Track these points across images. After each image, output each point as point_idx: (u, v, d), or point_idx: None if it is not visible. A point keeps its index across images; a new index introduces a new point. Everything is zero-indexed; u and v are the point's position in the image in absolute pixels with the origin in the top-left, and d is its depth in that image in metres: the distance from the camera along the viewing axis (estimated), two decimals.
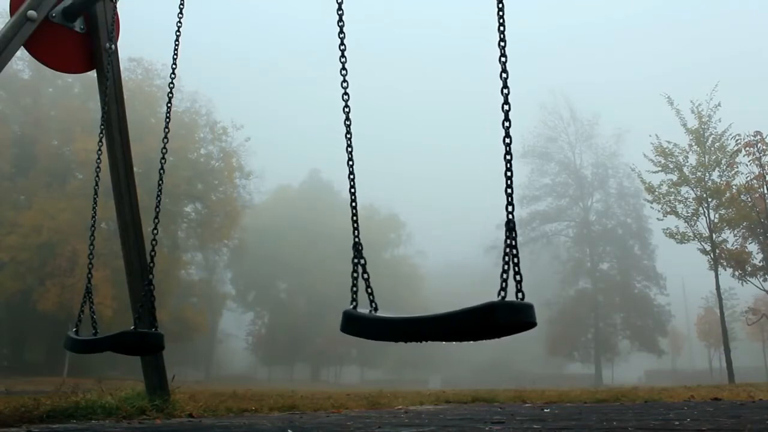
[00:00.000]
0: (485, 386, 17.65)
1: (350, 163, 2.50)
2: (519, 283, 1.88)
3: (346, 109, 2.52)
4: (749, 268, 21.88)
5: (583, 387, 17.78)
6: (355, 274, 2.28)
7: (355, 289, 2.26)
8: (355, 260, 2.31)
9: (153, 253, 3.47)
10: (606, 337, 46.08)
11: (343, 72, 2.55)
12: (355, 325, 2.19)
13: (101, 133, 4.16)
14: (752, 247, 22.17)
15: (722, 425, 3.04)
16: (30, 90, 34.06)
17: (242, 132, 39.95)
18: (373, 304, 2.21)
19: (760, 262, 22.00)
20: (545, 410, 5.07)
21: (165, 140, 3.60)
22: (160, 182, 3.58)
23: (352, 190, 2.48)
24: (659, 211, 22.82)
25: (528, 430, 3.01)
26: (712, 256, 21.67)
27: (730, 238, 22.28)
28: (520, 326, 1.86)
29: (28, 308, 30.96)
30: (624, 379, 43.83)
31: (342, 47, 2.57)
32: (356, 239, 2.36)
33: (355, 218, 2.43)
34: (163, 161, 3.56)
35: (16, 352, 35.19)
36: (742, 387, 11.33)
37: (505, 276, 1.85)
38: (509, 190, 1.97)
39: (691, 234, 22.18)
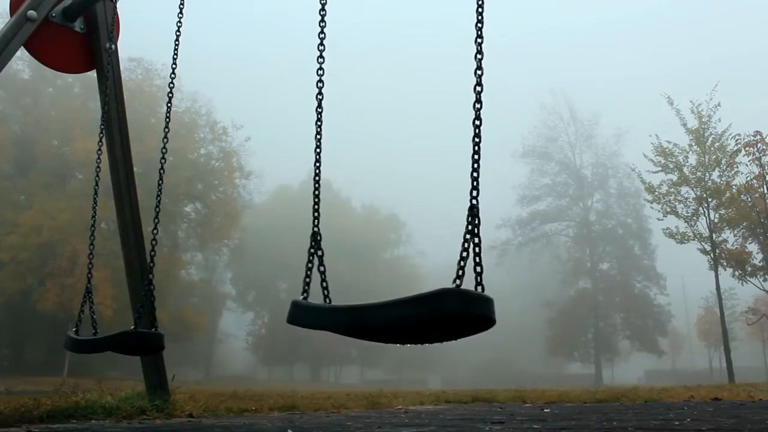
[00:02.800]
0: (485, 386, 17.64)
1: (318, 151, 2.44)
2: (479, 275, 1.72)
3: (320, 96, 2.46)
4: (749, 268, 21.85)
5: (583, 387, 17.76)
6: (309, 265, 2.16)
7: (308, 280, 2.13)
8: (312, 251, 2.18)
9: (153, 253, 3.48)
10: (606, 337, 46.09)
11: (320, 60, 2.47)
12: (298, 314, 2.04)
13: (101, 133, 4.16)
14: (752, 247, 22.14)
15: (722, 425, 3.04)
16: (30, 90, 34.06)
17: (242, 132, 40.00)
18: (327, 300, 2.10)
19: (760, 262, 21.98)
20: (545, 410, 5.07)
21: (165, 140, 3.61)
22: (160, 182, 3.59)
23: (317, 179, 2.40)
24: (659, 211, 22.79)
25: (528, 430, 3.00)
26: (712, 256, 21.64)
27: (730, 238, 22.27)
28: (474, 320, 1.70)
29: (28, 308, 30.95)
30: (624, 379, 43.81)
31: (321, 35, 2.50)
32: (315, 228, 2.22)
33: (316, 207, 2.30)
34: (163, 161, 3.57)
35: (16, 352, 35.15)
36: (742, 387, 11.31)
37: (462, 264, 1.70)
38: (475, 174, 1.85)
39: (691, 234, 22.15)
